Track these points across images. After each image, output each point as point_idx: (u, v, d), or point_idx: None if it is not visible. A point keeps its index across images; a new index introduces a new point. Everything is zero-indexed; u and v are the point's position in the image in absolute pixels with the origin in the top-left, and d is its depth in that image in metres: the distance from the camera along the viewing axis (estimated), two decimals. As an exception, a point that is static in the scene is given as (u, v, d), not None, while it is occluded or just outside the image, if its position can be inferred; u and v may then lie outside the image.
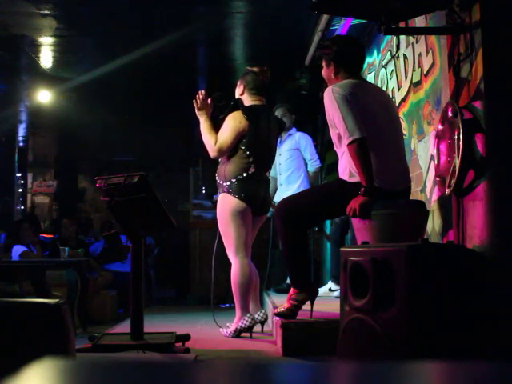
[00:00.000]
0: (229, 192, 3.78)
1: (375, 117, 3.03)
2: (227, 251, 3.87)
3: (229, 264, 3.90)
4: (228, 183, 3.79)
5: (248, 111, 3.81)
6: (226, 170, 3.81)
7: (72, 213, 9.55)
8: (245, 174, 3.78)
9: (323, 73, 3.24)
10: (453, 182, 2.75)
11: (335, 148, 3.16)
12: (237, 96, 3.97)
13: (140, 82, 7.19)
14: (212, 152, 3.82)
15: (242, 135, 3.78)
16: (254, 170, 3.80)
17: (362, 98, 3.02)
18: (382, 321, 2.09)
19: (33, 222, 7.10)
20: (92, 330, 4.65)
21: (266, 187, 3.97)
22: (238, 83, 3.98)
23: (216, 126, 3.90)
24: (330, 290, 4.97)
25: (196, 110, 3.93)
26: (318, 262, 6.43)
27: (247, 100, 3.92)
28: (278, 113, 5.46)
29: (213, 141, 3.82)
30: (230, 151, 3.80)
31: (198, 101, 3.91)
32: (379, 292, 2.11)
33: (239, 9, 5.21)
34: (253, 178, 3.79)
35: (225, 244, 3.86)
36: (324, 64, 3.21)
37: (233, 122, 3.79)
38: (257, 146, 3.82)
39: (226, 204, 3.79)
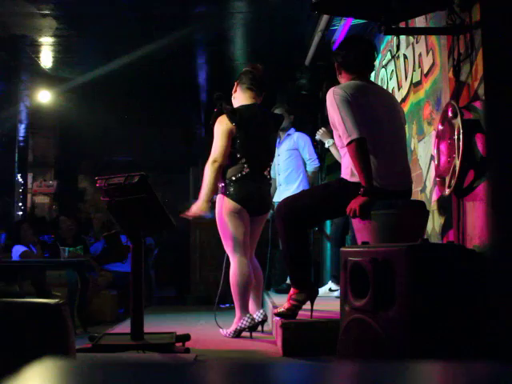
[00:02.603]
0: (224, 194, 3.81)
1: (378, 118, 3.03)
2: (226, 251, 3.88)
3: (229, 264, 3.90)
4: (223, 185, 3.81)
5: (232, 114, 3.81)
6: (221, 172, 3.82)
7: (72, 213, 9.55)
8: (239, 175, 3.79)
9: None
10: (453, 182, 2.75)
11: (338, 147, 3.17)
12: (232, 95, 4.00)
13: (140, 82, 7.20)
14: (213, 164, 3.76)
15: (234, 136, 3.78)
16: (248, 170, 3.81)
17: (364, 99, 3.02)
18: (382, 321, 2.09)
19: (34, 222, 7.10)
20: (92, 330, 4.64)
21: (264, 186, 3.94)
22: (235, 84, 4.01)
23: (211, 133, 3.91)
24: (330, 290, 4.97)
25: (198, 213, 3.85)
26: (317, 262, 6.42)
27: (240, 98, 3.93)
28: (277, 113, 5.46)
29: (205, 171, 3.78)
30: (228, 153, 3.79)
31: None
32: (379, 292, 2.11)
33: (239, 9, 5.22)
34: (247, 179, 3.80)
35: (223, 244, 3.88)
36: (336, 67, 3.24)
37: (220, 127, 3.81)
38: (249, 147, 3.81)
39: (222, 205, 3.82)
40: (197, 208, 3.80)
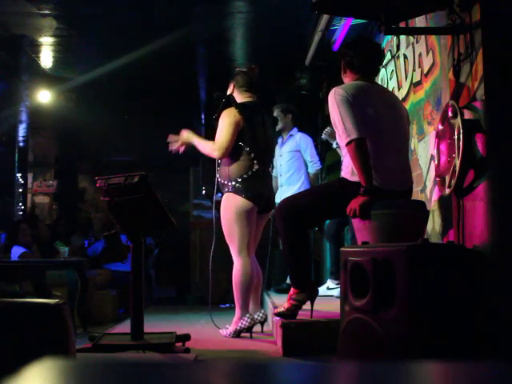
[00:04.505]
0: (235, 192, 3.77)
1: (379, 118, 3.03)
2: (230, 250, 3.85)
3: (229, 264, 3.89)
4: (233, 183, 3.77)
5: (240, 106, 3.83)
6: (231, 170, 3.79)
7: (72, 213, 9.56)
8: (250, 173, 3.77)
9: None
10: (453, 181, 2.75)
11: (340, 147, 3.18)
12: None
13: (140, 81, 7.19)
14: (214, 152, 3.79)
15: (239, 129, 3.77)
16: (257, 167, 3.80)
17: (366, 99, 3.03)
18: (382, 321, 2.09)
19: (32, 223, 7.11)
20: (92, 330, 4.65)
21: (269, 184, 4.00)
22: (229, 85, 4.01)
23: (212, 128, 3.91)
24: (328, 288, 4.96)
25: (181, 144, 3.92)
26: (318, 261, 6.43)
27: (238, 98, 3.94)
28: (274, 114, 5.49)
29: (210, 144, 3.82)
30: (231, 148, 3.78)
31: (176, 142, 3.92)
32: (379, 292, 2.11)
33: (239, 9, 5.21)
34: (257, 176, 3.80)
35: (228, 243, 3.85)
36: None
37: (227, 118, 3.79)
38: (256, 143, 3.82)
39: (232, 203, 3.77)
40: (188, 135, 3.90)
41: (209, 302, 4.07)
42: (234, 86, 3.97)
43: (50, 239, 6.72)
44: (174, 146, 3.94)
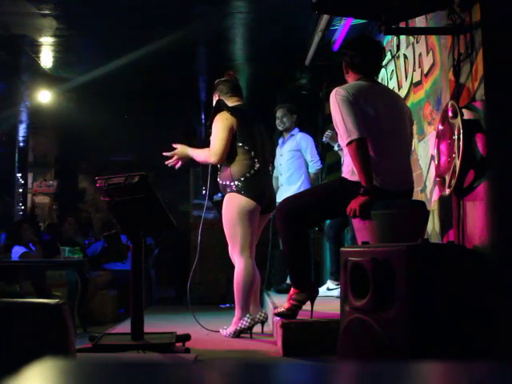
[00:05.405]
0: (238, 191, 3.75)
1: (380, 118, 3.03)
2: (232, 250, 3.84)
3: (229, 265, 3.88)
4: (236, 182, 3.76)
5: (232, 108, 3.83)
6: (232, 170, 3.78)
7: (72, 213, 9.54)
8: (252, 171, 3.77)
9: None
10: (453, 182, 2.75)
11: (342, 146, 3.18)
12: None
13: (140, 81, 7.19)
14: (210, 158, 3.78)
15: (234, 132, 3.77)
16: (258, 165, 3.79)
17: (367, 99, 3.02)
18: (382, 321, 2.09)
19: (32, 222, 7.12)
20: (92, 330, 4.65)
21: (270, 183, 4.01)
22: (213, 97, 4.01)
23: (207, 134, 3.91)
24: (328, 289, 4.96)
25: (176, 159, 3.92)
26: (318, 262, 6.43)
27: (227, 103, 3.94)
28: (279, 113, 5.49)
29: (205, 151, 3.81)
30: (228, 151, 3.77)
31: (172, 158, 3.92)
32: (379, 292, 2.10)
33: (239, 9, 5.21)
34: (259, 175, 3.79)
35: (230, 243, 3.83)
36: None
37: (220, 122, 3.78)
38: (254, 142, 3.82)
39: (235, 203, 3.76)
40: (183, 149, 3.89)
41: (188, 302, 4.08)
42: (218, 96, 3.97)
43: (73, 236, 6.74)
44: (170, 162, 3.92)
